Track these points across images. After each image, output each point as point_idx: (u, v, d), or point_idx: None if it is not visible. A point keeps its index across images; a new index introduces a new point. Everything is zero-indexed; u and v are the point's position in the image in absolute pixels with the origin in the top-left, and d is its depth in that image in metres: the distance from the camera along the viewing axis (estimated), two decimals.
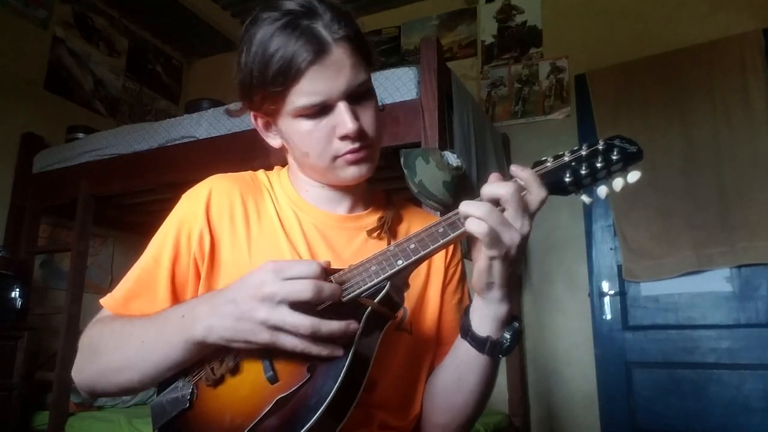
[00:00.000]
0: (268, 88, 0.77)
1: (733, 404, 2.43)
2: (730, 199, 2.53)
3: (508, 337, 0.74)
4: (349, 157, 0.80)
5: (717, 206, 2.55)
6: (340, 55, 0.76)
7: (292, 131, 0.81)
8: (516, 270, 0.71)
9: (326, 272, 0.68)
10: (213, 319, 0.66)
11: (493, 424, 2.39)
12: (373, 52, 0.85)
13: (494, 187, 0.69)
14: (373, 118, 0.81)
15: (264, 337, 0.63)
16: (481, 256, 0.69)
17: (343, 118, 0.77)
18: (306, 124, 0.79)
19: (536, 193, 0.69)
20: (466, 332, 0.75)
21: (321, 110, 0.78)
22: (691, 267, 2.55)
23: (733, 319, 2.51)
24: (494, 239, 0.66)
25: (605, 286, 2.77)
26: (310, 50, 0.74)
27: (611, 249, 2.79)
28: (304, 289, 0.63)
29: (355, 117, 0.78)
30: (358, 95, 0.79)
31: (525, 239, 0.68)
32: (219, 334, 0.65)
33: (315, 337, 0.63)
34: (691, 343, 2.56)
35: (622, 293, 2.73)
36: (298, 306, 0.63)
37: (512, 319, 0.74)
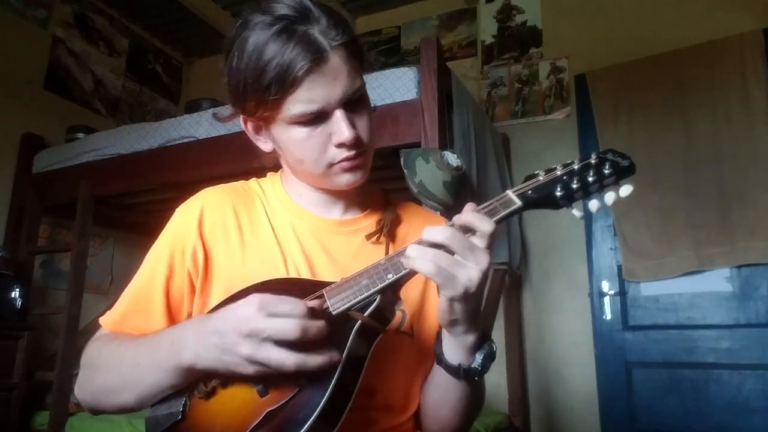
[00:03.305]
0: (263, 95, 0.75)
1: (733, 404, 2.43)
2: (730, 198, 2.53)
3: (480, 360, 0.74)
4: (345, 164, 0.79)
5: (717, 206, 2.55)
6: (337, 62, 0.75)
7: (286, 138, 0.80)
8: (480, 303, 0.69)
9: (308, 283, 0.69)
10: (199, 348, 0.66)
11: (493, 424, 2.39)
12: (367, 56, 0.84)
13: (433, 233, 0.66)
14: (367, 125, 0.81)
15: (249, 370, 0.63)
16: (441, 295, 0.67)
17: (339, 126, 0.77)
18: (301, 132, 0.78)
19: (482, 228, 0.67)
20: (439, 360, 0.76)
21: (317, 117, 0.77)
22: (691, 267, 2.55)
23: (733, 319, 2.51)
24: (448, 279, 0.65)
25: (605, 286, 2.77)
26: (308, 58, 0.73)
27: (611, 249, 2.79)
28: (291, 330, 0.62)
29: (352, 125, 0.77)
30: (354, 102, 0.79)
31: (485, 274, 0.66)
32: (206, 364, 0.66)
33: (301, 373, 0.63)
34: (691, 343, 2.56)
35: (622, 293, 2.73)
36: (282, 342, 0.62)
37: (483, 341, 0.74)
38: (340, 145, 0.78)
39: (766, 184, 2.48)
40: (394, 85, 2.01)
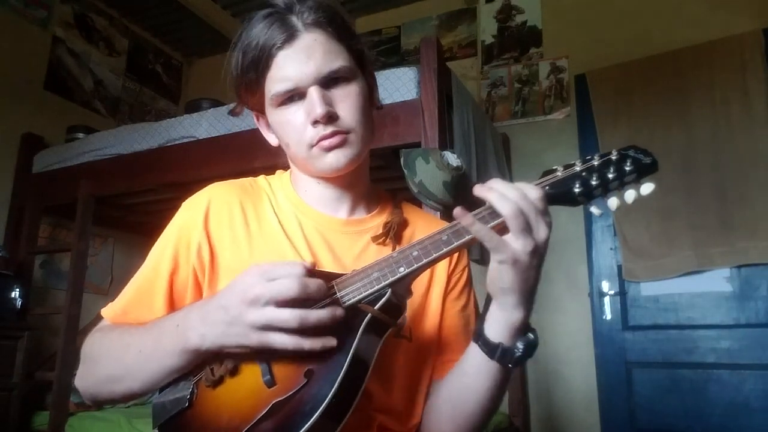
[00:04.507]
0: (245, 77, 0.80)
1: (733, 404, 2.43)
2: (730, 199, 2.53)
3: (521, 347, 0.71)
4: (324, 143, 0.79)
5: (717, 206, 2.55)
6: (310, 40, 0.78)
7: (275, 123, 0.83)
8: (535, 276, 0.68)
9: (317, 273, 0.68)
10: (205, 327, 0.66)
11: (493, 424, 2.39)
12: (360, 42, 0.84)
13: (498, 201, 0.65)
14: (352, 107, 0.80)
15: (254, 339, 0.63)
16: (491, 259, 0.67)
17: (312, 103, 0.77)
18: (284, 114, 0.80)
19: (530, 196, 0.66)
20: (478, 336, 0.73)
21: (296, 98, 0.79)
22: (691, 267, 2.55)
23: (733, 319, 2.51)
24: (500, 243, 0.65)
25: (605, 286, 2.77)
26: (280, 37, 0.77)
27: (611, 249, 2.78)
28: (289, 287, 0.63)
29: (327, 102, 0.77)
30: (335, 82, 0.79)
31: (541, 246, 0.65)
32: (212, 341, 0.66)
33: (305, 329, 0.63)
34: (691, 343, 2.56)
35: (622, 293, 2.73)
36: (285, 305, 0.63)
37: (528, 329, 0.72)
38: (315, 123, 0.78)
39: (766, 184, 2.48)
40: (394, 85, 2.01)
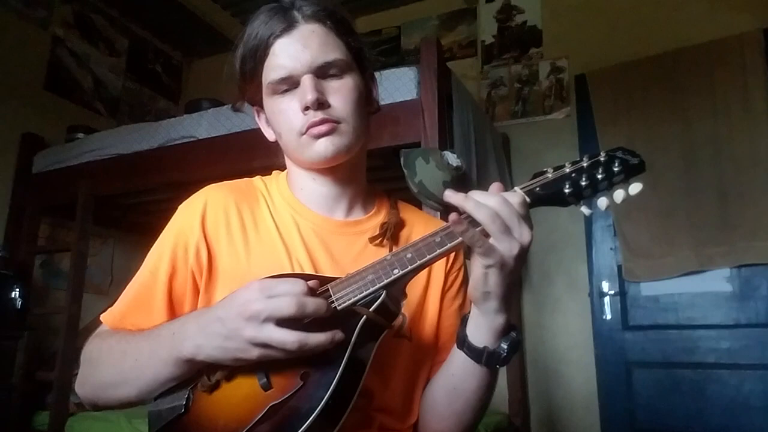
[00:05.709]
0: (245, 66, 0.82)
1: (733, 404, 2.43)
2: (730, 199, 2.53)
3: (506, 347, 0.73)
4: (313, 131, 0.79)
5: (717, 206, 2.55)
6: (307, 31, 0.80)
7: (270, 112, 0.85)
8: (515, 280, 0.70)
9: (315, 278, 0.68)
10: (201, 338, 0.66)
11: (493, 424, 2.39)
12: (360, 41, 0.86)
13: (483, 197, 0.66)
14: (345, 98, 0.81)
15: (253, 354, 0.63)
16: (477, 264, 0.68)
17: (303, 89, 0.79)
18: (279, 102, 0.82)
19: (513, 200, 0.67)
20: (463, 342, 0.74)
21: (291, 86, 0.80)
22: (691, 267, 2.55)
23: (733, 319, 2.51)
24: (489, 248, 0.65)
25: (605, 286, 2.77)
26: (279, 27, 0.80)
27: (611, 249, 2.78)
28: (287, 305, 0.62)
29: (319, 90, 0.79)
30: (330, 74, 0.81)
31: (525, 249, 0.66)
32: (208, 353, 0.66)
33: (304, 351, 0.63)
34: (691, 343, 2.56)
35: (622, 293, 2.73)
36: (284, 322, 0.63)
37: (510, 329, 0.73)
38: (306, 110, 0.79)
39: (766, 184, 2.48)
40: (394, 85, 2.01)
